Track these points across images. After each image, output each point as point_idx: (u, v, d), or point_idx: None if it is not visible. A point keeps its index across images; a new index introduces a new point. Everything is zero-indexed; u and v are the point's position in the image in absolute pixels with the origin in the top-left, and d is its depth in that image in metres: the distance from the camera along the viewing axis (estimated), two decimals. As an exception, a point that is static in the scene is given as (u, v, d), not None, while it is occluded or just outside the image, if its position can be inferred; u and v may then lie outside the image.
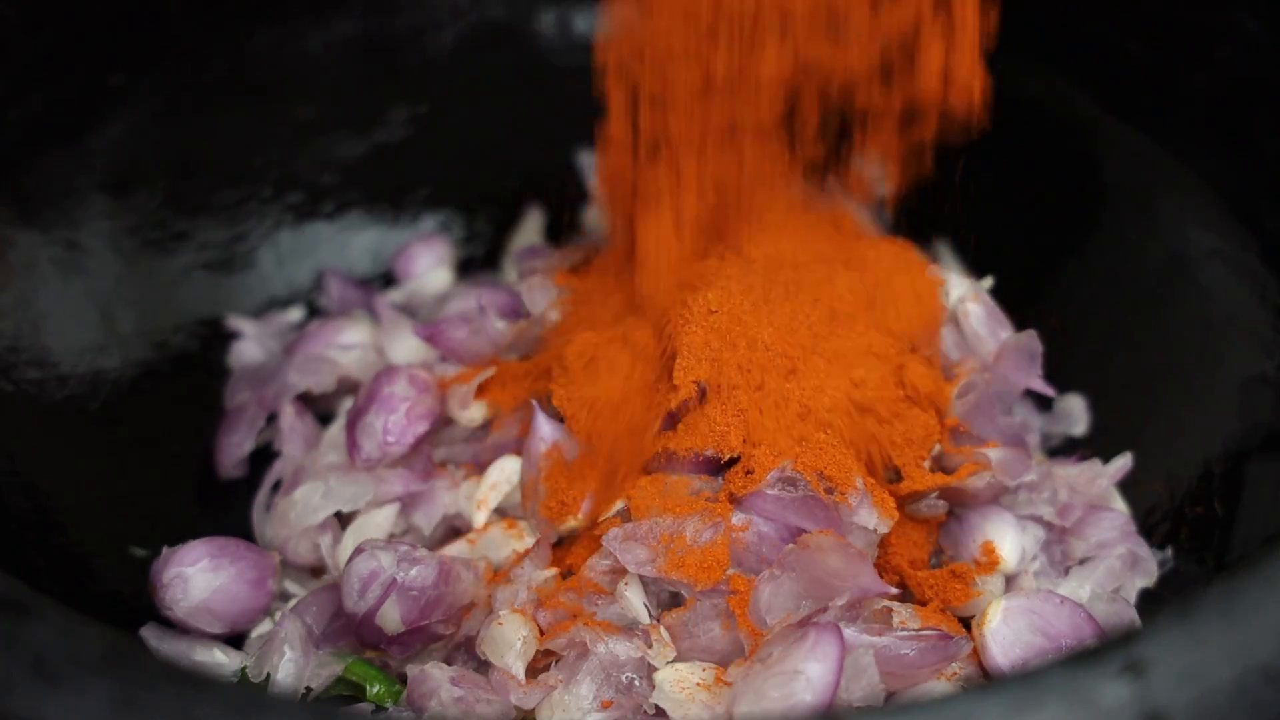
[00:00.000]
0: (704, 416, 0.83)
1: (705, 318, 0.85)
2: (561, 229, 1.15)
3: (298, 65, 1.13)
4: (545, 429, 0.88)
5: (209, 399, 1.03)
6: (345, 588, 0.82)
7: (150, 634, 0.85)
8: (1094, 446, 0.98)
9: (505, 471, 0.90)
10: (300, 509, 0.91)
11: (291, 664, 0.83)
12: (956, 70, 0.87)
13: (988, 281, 1.00)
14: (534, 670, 0.81)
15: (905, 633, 0.78)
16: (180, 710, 0.56)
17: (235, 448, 1.00)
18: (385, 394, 0.92)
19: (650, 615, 0.81)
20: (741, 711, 0.73)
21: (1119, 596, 0.86)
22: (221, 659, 0.86)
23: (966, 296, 0.95)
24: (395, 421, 0.91)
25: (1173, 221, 1.02)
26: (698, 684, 0.78)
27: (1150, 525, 0.93)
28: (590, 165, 1.16)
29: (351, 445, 0.92)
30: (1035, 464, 0.89)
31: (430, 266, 1.13)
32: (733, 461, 0.83)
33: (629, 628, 0.80)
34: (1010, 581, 0.87)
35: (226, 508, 0.98)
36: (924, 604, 0.85)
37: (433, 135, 1.16)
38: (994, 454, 0.88)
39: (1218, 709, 0.57)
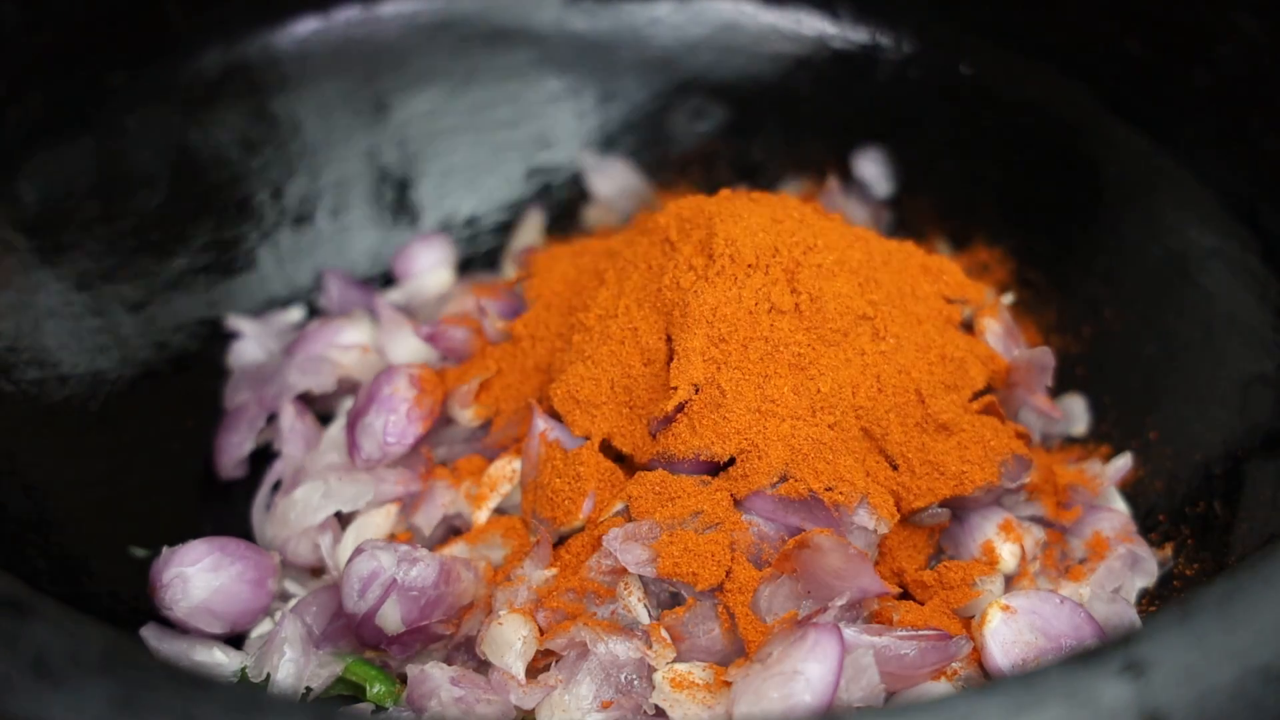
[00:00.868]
0: (704, 417, 0.83)
1: (706, 318, 0.85)
2: (561, 229, 1.15)
3: (296, 64, 1.13)
4: (545, 429, 0.88)
5: (209, 399, 1.03)
6: (345, 588, 0.82)
7: (150, 634, 0.85)
8: (1094, 446, 0.98)
9: (505, 471, 0.90)
10: (300, 509, 0.91)
11: (291, 664, 0.83)
12: None
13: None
14: (534, 670, 0.81)
15: (905, 633, 0.78)
16: (180, 710, 0.56)
17: (235, 448, 1.00)
18: (385, 394, 0.92)
19: (650, 615, 0.81)
20: (741, 712, 0.73)
21: (1119, 596, 0.86)
22: (221, 659, 0.86)
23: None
24: (395, 421, 0.91)
25: (1173, 221, 1.02)
26: (697, 684, 0.78)
27: (1150, 525, 0.93)
28: (590, 165, 1.17)
29: (351, 445, 0.92)
30: (1035, 465, 0.89)
31: (430, 266, 1.13)
32: (733, 461, 0.83)
33: (629, 628, 0.80)
34: (1010, 581, 0.87)
35: (226, 508, 0.98)
36: (924, 604, 0.84)
37: (433, 135, 1.16)
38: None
39: (1218, 709, 0.57)
